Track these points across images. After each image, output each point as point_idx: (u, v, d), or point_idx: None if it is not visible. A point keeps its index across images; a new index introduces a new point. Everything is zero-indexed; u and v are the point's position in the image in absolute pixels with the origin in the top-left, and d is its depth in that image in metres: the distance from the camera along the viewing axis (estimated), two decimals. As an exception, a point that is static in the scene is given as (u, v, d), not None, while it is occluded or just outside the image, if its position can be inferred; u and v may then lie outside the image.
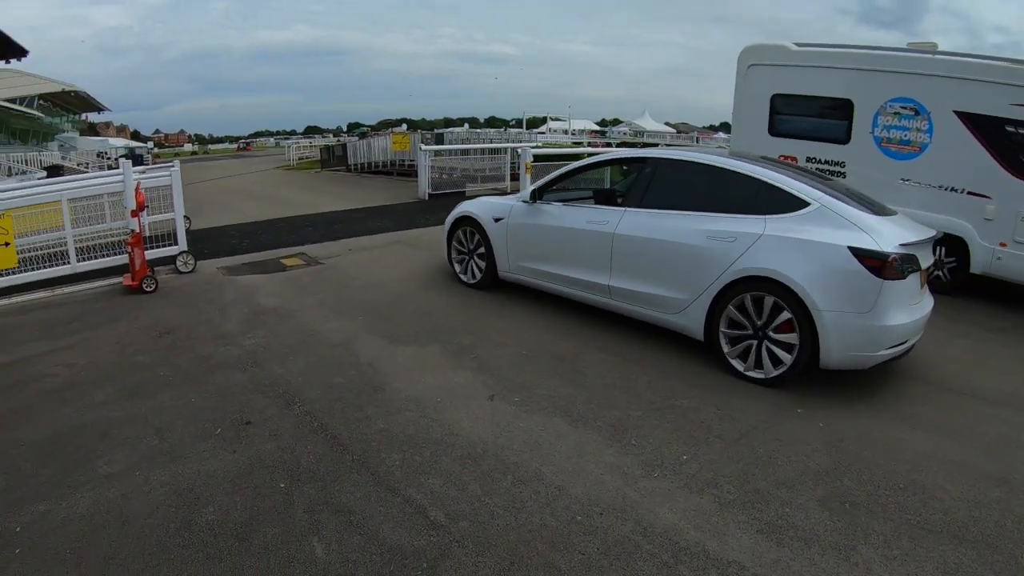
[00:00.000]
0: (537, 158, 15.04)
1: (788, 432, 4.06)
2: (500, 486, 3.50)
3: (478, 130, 43.93)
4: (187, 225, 11.69)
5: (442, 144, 22.95)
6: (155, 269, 7.89)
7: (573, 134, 44.47)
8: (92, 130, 62.92)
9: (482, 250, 7.18)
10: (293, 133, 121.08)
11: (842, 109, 8.25)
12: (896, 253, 4.45)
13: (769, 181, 5.05)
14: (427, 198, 16.29)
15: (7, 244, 7.29)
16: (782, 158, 8.36)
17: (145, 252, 7.71)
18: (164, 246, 8.54)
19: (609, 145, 19.38)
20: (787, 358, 4.68)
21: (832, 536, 3.10)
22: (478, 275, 7.32)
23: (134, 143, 66.22)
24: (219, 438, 4.12)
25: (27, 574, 2.92)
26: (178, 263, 8.41)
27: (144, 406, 4.59)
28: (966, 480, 3.63)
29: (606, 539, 3.07)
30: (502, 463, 3.73)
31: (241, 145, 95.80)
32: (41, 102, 44.79)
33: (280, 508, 3.37)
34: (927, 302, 5.01)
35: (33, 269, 7.70)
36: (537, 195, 6.65)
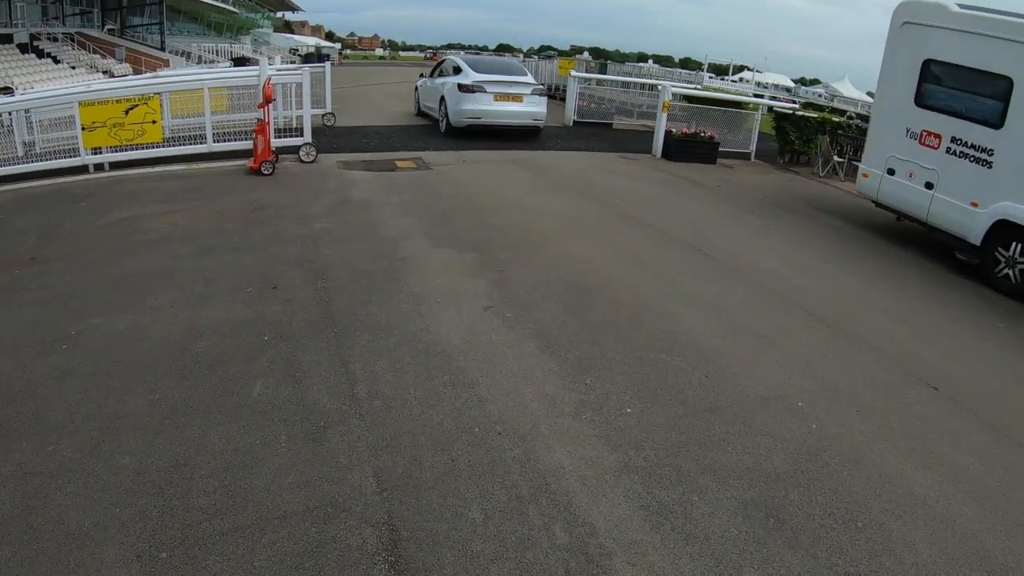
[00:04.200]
0: (691, 99, 14.47)
1: (763, 424, 3.67)
2: (432, 383, 3.72)
3: (671, 69, 41.95)
4: (331, 122, 12.95)
5: (605, 75, 22.49)
6: (280, 157, 8.92)
7: (765, 87, 41.90)
8: (287, 28, 67.97)
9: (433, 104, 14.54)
10: (484, 49, 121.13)
11: (999, 88, 6.83)
12: (468, 83, 11.90)
13: (459, 63, 12.99)
14: (571, 124, 16.20)
15: (154, 122, 8.63)
16: (925, 133, 7.57)
17: (271, 140, 8.73)
18: (294, 136, 9.56)
19: (795, 103, 17.72)
20: (445, 120, 12.62)
21: (737, 546, 2.67)
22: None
23: (324, 43, 70.76)
24: (245, 295, 4.86)
25: (70, 358, 3.90)
26: (301, 153, 9.43)
27: (208, 262, 5.48)
28: None
29: (484, 455, 3.12)
30: (449, 365, 3.94)
31: (428, 55, 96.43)
32: (238, -2, 48.83)
33: (251, 354, 4.00)
34: (515, 108, 12.28)
35: (176, 145, 9.04)
36: (426, 75, 15.29)
